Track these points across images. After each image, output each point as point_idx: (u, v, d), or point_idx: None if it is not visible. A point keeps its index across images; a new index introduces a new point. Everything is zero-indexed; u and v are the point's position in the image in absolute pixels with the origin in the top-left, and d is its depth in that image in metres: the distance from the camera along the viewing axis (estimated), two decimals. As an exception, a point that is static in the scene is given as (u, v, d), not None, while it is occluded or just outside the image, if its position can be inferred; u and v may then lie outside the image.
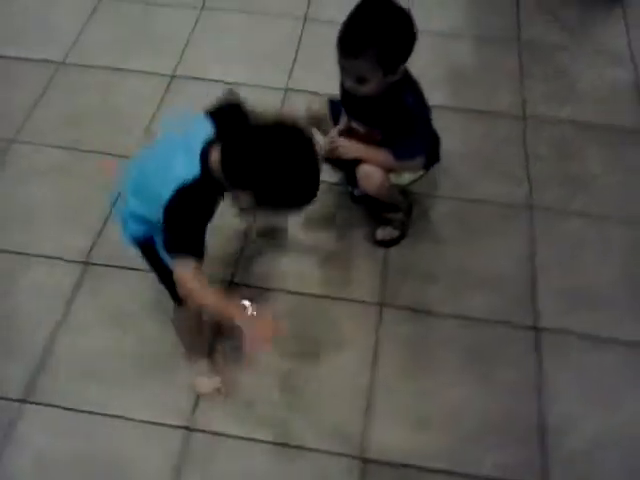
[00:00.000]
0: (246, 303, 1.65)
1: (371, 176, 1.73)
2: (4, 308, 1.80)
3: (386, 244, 1.94)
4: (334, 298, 1.84)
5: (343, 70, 1.57)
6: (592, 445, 1.59)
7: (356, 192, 1.96)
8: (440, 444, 1.59)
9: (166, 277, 1.41)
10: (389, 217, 1.94)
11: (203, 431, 1.60)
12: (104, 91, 2.35)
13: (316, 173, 1.29)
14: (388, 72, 1.54)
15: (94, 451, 1.57)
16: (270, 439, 1.59)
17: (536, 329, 1.79)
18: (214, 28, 2.59)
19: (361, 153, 1.74)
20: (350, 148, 1.75)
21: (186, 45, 2.51)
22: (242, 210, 1.40)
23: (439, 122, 2.19)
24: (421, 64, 2.39)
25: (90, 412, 1.62)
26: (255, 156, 1.23)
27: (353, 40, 1.51)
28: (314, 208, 1.97)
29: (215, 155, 1.28)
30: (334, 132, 1.79)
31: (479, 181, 2.12)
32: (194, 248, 1.30)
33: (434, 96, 2.28)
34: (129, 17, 2.62)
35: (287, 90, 2.35)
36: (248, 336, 1.29)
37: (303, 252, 1.94)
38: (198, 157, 1.28)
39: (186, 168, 1.28)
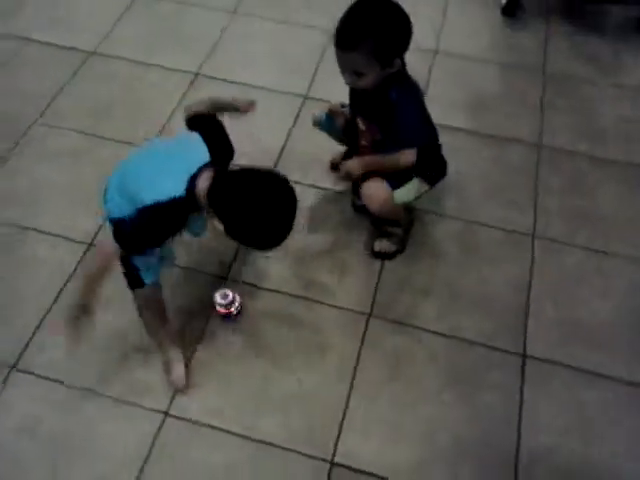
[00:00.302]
0: (227, 292, 1.69)
1: (374, 195, 1.76)
2: (5, 278, 1.86)
3: (383, 256, 1.95)
4: (324, 303, 1.85)
5: (341, 64, 1.60)
6: (564, 478, 1.57)
7: (358, 202, 1.98)
8: (410, 458, 1.59)
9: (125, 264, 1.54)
10: (389, 230, 1.96)
11: (180, 418, 1.62)
12: (128, 83, 2.42)
13: (284, 228, 1.42)
14: (385, 65, 1.58)
15: (72, 424, 1.61)
16: (243, 434, 1.60)
17: (523, 356, 1.78)
18: (243, 33, 2.65)
19: (362, 166, 1.78)
20: (353, 167, 1.79)
21: (214, 46, 2.58)
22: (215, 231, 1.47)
23: (454, 143, 2.24)
24: (443, 85, 2.47)
25: (74, 387, 1.66)
26: (237, 199, 1.37)
27: (349, 33, 1.55)
28: (317, 214, 2.04)
29: (204, 182, 1.40)
30: (341, 116, 1.85)
31: (485, 205, 2.12)
32: (135, 249, 1.48)
33: (452, 118, 2.35)
34: (161, 15, 2.70)
35: (306, 98, 2.39)
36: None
37: (300, 255, 1.96)
38: (187, 179, 1.40)
39: (174, 187, 1.39)
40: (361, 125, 1.80)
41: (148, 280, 1.55)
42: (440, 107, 2.35)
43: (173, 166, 1.45)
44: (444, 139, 2.22)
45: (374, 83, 1.62)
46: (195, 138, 1.51)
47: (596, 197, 2.17)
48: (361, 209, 2.00)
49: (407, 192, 1.80)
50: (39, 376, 1.68)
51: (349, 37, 1.55)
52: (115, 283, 1.54)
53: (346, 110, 1.86)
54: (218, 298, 1.75)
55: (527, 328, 1.83)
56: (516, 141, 2.32)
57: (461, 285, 1.92)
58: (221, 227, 1.39)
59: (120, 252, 1.46)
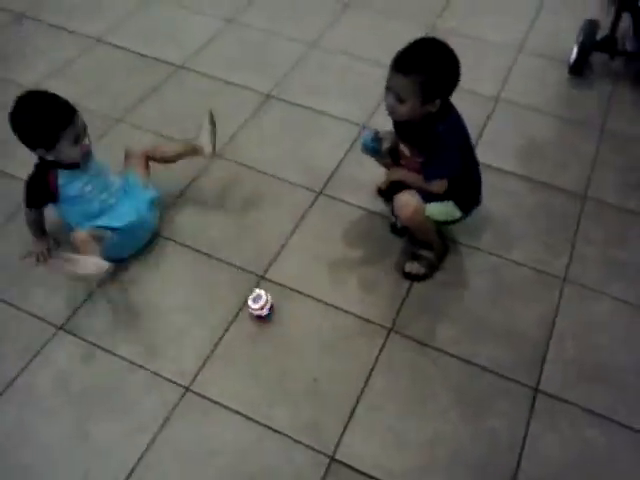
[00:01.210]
0: (261, 294, 1.82)
1: (406, 204, 1.89)
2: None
3: (412, 278, 2.04)
4: (346, 311, 1.96)
5: (389, 84, 1.75)
6: (558, 511, 1.59)
7: (398, 224, 2.10)
8: (408, 465, 1.65)
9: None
10: (420, 253, 2.05)
11: (199, 394, 1.75)
12: (206, 96, 2.66)
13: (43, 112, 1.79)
14: (426, 101, 1.72)
15: (101, 384, 1.77)
16: (255, 418, 1.71)
17: (535, 390, 1.81)
18: (316, 63, 2.86)
19: (400, 175, 1.95)
20: (394, 172, 1.99)
21: (288, 72, 2.79)
22: None
23: (502, 185, 2.35)
24: (500, 130, 2.58)
25: (108, 351, 1.83)
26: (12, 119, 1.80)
27: (408, 59, 1.71)
28: (358, 231, 2.16)
29: None
30: (387, 140, 1.99)
31: (521, 244, 2.18)
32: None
33: (504, 161, 2.45)
34: (248, 40, 2.96)
35: (364, 127, 2.55)
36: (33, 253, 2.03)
37: (336, 265, 2.08)
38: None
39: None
40: (405, 151, 1.93)
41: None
42: (494, 150, 2.50)
43: None
44: (493, 180, 2.34)
45: (412, 114, 1.76)
46: None
47: (636, 252, 2.19)
48: (398, 231, 2.11)
49: (439, 209, 1.92)
50: (81, 338, 1.85)
51: (406, 62, 1.71)
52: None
53: (392, 136, 2.00)
54: (251, 301, 1.88)
55: (544, 364, 1.87)
56: (562, 190, 2.37)
57: (484, 315, 1.98)
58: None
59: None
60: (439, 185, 1.85)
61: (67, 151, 1.82)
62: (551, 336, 1.94)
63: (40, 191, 1.90)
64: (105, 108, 2.55)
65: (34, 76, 2.68)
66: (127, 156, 2.13)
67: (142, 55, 2.84)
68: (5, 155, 2.32)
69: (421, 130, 1.81)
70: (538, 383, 1.83)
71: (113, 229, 1.91)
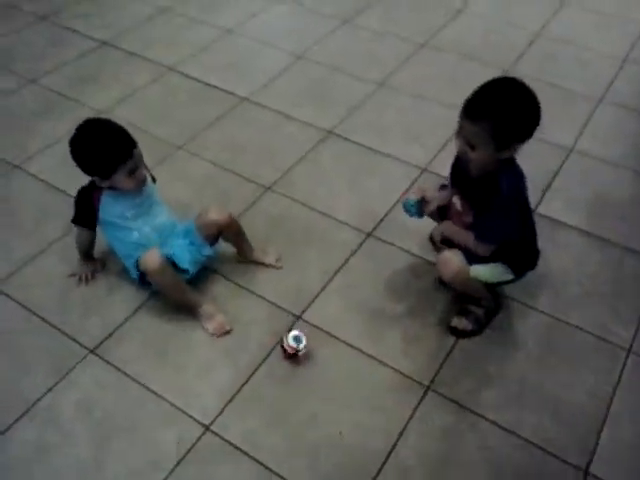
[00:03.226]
0: (300, 335, 1.75)
1: (448, 263, 1.77)
2: (103, 273, 2.08)
3: (458, 334, 1.91)
4: (387, 365, 1.84)
5: (459, 130, 1.64)
6: None
7: None
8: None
9: None
10: (468, 308, 1.92)
11: (218, 435, 1.68)
12: (267, 130, 2.66)
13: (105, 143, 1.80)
14: (501, 147, 1.59)
15: (123, 413, 1.73)
16: (271, 467, 1.62)
17: (585, 473, 1.63)
18: (382, 103, 2.81)
19: (450, 232, 1.82)
20: (443, 227, 1.87)
21: (351, 110, 2.75)
22: None
23: (566, 239, 2.20)
24: (570, 181, 2.43)
25: (134, 379, 1.79)
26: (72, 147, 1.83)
27: (476, 105, 1.59)
28: (405, 280, 2.06)
29: None
30: (434, 203, 1.86)
31: (582, 307, 2.01)
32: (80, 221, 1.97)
33: (570, 215, 2.29)
34: (314, 77, 2.95)
35: (424, 170, 2.46)
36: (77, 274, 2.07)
37: (379, 314, 1.98)
38: None
39: None
40: (458, 206, 1.81)
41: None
42: (560, 202, 2.35)
43: None
44: (556, 234, 2.19)
45: (484, 161, 1.64)
46: None
47: None
48: (445, 283, 1.99)
49: (486, 272, 1.78)
50: (110, 364, 1.83)
51: (474, 109, 1.59)
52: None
53: (441, 195, 1.89)
54: (290, 339, 1.81)
55: (597, 445, 1.68)
56: (632, 251, 2.18)
57: (534, 382, 1.82)
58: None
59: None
60: (483, 248, 1.73)
61: (122, 182, 1.82)
62: (608, 413, 1.75)
63: (84, 208, 1.91)
64: (167, 135, 2.59)
65: (106, 101, 2.76)
66: (203, 217, 1.98)
67: (210, 85, 2.88)
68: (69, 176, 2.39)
69: (482, 183, 1.68)
70: (588, 465, 1.64)
71: (179, 269, 1.88)
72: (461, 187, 1.80)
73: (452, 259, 1.77)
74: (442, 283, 2.02)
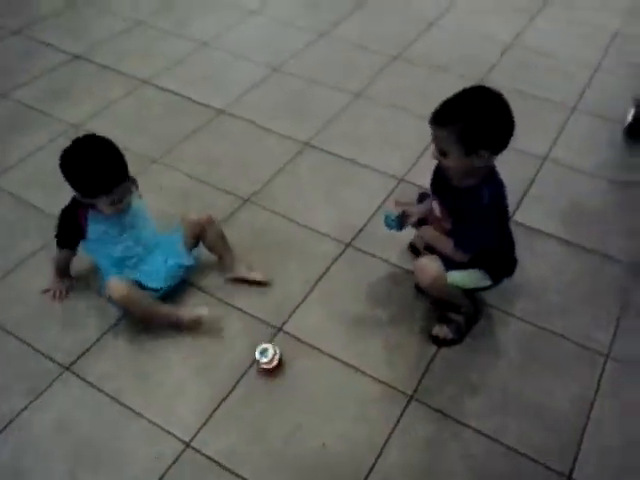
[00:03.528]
0: (268, 348, 1.71)
1: (425, 269, 1.77)
2: (78, 288, 2.04)
3: (439, 342, 1.90)
4: (368, 375, 1.83)
5: (433, 138, 1.65)
6: None
7: None
8: None
9: None
10: (448, 316, 1.92)
11: (199, 451, 1.65)
12: (244, 142, 2.64)
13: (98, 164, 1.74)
14: (469, 151, 1.59)
15: (99, 432, 1.69)
16: (253, 482, 1.60)
17: (569, 479, 1.63)
18: (359, 114, 2.81)
19: (429, 237, 1.83)
20: (423, 231, 1.86)
21: (328, 122, 2.75)
22: None
23: (543, 248, 2.22)
24: (545, 190, 2.45)
25: (112, 397, 1.75)
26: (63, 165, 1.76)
27: (444, 111, 1.60)
28: (384, 289, 2.05)
29: None
30: (414, 216, 1.86)
31: (562, 314, 2.02)
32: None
33: (546, 223, 2.31)
34: (291, 89, 2.95)
35: (401, 180, 2.46)
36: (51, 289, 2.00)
37: (359, 324, 1.97)
38: None
39: None
40: (437, 212, 1.81)
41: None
42: (537, 211, 2.37)
43: None
44: (534, 242, 2.21)
45: (458, 169, 1.65)
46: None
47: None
48: (422, 290, 2.00)
49: (463, 278, 1.78)
50: (87, 381, 1.79)
51: (442, 115, 1.61)
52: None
53: (420, 208, 1.90)
54: (258, 354, 1.78)
55: (579, 450, 1.69)
56: (610, 259, 2.21)
57: (516, 389, 1.82)
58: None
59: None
60: (460, 255, 1.73)
61: (102, 207, 1.79)
62: (589, 418, 1.76)
63: (69, 225, 1.86)
64: (142, 148, 2.56)
65: (79, 114, 2.73)
66: (185, 218, 2.03)
67: (185, 98, 2.86)
68: (43, 191, 2.36)
69: (464, 192, 1.68)
70: (571, 471, 1.64)
71: (150, 288, 1.88)
72: (441, 194, 1.80)
73: (429, 265, 1.77)
74: (419, 290, 2.01)
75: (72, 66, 3.04)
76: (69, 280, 2.04)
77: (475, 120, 1.57)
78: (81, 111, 2.75)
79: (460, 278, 1.78)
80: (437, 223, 1.81)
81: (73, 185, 1.76)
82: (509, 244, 1.84)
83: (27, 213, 2.28)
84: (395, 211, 1.87)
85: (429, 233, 1.83)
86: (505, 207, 1.77)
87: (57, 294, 2.00)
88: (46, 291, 2.01)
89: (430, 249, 1.87)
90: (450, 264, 1.75)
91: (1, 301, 1.99)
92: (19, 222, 2.25)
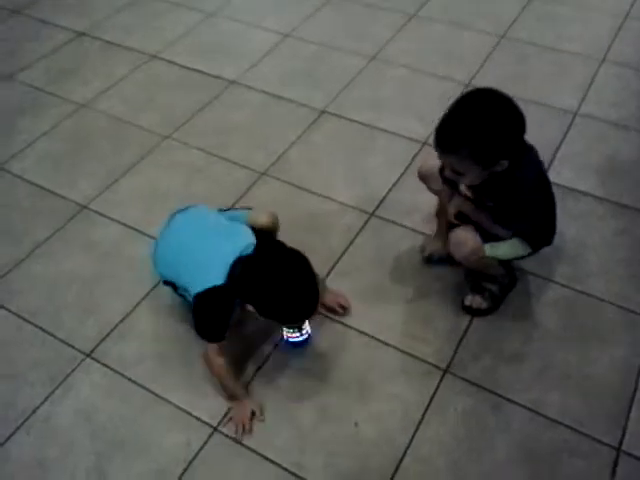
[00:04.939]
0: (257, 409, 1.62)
1: (463, 242, 1.65)
2: (95, 272, 1.97)
3: (473, 312, 1.81)
4: (400, 350, 1.75)
5: (442, 161, 1.56)
6: None
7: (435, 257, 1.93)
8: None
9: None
10: (482, 285, 1.82)
11: (226, 435, 1.59)
12: (258, 112, 2.54)
13: (309, 305, 1.51)
14: (487, 166, 1.48)
15: (126, 418, 1.63)
16: (284, 466, 1.53)
17: (618, 450, 1.54)
18: (377, 77, 2.68)
19: (465, 208, 1.69)
20: (456, 203, 1.71)
21: (345, 87, 2.63)
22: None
23: (579, 207, 2.10)
24: (578, 147, 2.33)
25: (136, 383, 1.69)
26: (261, 285, 1.48)
27: (446, 137, 1.47)
28: (413, 260, 1.95)
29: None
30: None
31: (603, 277, 1.91)
32: (216, 336, 1.59)
33: (581, 181, 2.19)
34: (304, 55, 2.82)
35: (424, 144, 2.34)
36: (233, 419, 1.60)
37: (388, 298, 1.87)
38: (228, 269, 1.53)
39: (216, 277, 1.53)
40: (466, 191, 1.69)
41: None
42: (570, 169, 2.24)
43: (218, 251, 1.58)
44: (569, 203, 2.09)
45: (479, 180, 1.54)
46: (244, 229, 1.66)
47: None
48: (429, 259, 1.94)
49: (501, 249, 1.67)
50: (110, 368, 1.73)
51: (447, 140, 1.48)
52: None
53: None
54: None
55: (628, 420, 1.59)
56: (649, 214, 2.08)
57: (556, 358, 1.72)
58: (252, 308, 1.52)
59: (213, 347, 1.60)
60: (505, 233, 1.63)
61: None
62: (637, 385, 1.66)
63: (226, 315, 1.58)
64: (153, 125, 2.47)
65: (87, 93, 2.64)
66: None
67: (195, 70, 2.76)
68: (54, 173, 2.29)
69: (494, 180, 1.54)
70: (621, 443, 1.55)
71: None
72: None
73: (467, 238, 1.64)
74: (429, 261, 1.93)
75: (77, 44, 2.94)
76: (248, 397, 1.63)
77: (483, 138, 1.43)
78: (89, 89, 2.66)
79: (500, 251, 1.66)
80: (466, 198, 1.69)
81: (254, 301, 1.51)
82: (551, 212, 1.71)
83: (39, 197, 2.21)
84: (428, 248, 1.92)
85: (465, 205, 1.68)
86: (544, 176, 1.65)
87: (240, 427, 1.57)
88: (228, 422, 1.60)
89: (462, 217, 1.74)
90: (488, 235, 1.64)
91: (17, 289, 1.93)
92: (31, 207, 2.18)
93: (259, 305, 1.50)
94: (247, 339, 1.77)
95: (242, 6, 3.18)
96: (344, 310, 1.81)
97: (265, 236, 1.67)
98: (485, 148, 1.44)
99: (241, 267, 1.52)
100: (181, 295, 1.72)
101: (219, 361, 1.59)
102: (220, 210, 1.86)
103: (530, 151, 1.59)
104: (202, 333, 1.60)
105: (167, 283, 1.74)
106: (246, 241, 1.60)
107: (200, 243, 1.65)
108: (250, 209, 1.87)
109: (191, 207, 1.83)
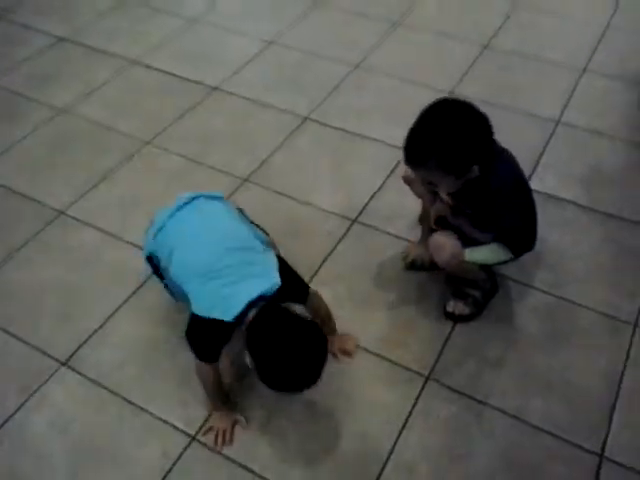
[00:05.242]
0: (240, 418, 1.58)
1: (442, 247, 1.65)
2: (73, 279, 1.94)
3: (455, 318, 1.80)
4: (382, 357, 1.73)
5: (415, 174, 1.57)
6: None
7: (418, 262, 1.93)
8: None
9: None
10: (464, 291, 1.81)
11: (204, 445, 1.55)
12: (240, 119, 2.52)
13: (307, 381, 1.38)
14: (460, 175, 1.48)
15: (100, 429, 1.59)
16: (265, 475, 1.50)
17: (600, 457, 1.53)
18: (361, 85, 2.68)
19: (446, 212, 1.69)
20: (438, 208, 1.74)
21: (328, 94, 2.62)
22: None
23: (562, 215, 2.11)
24: (560, 155, 2.34)
25: (112, 392, 1.66)
26: (269, 347, 1.36)
27: (413, 151, 1.48)
28: (394, 265, 1.94)
29: (254, 313, 1.40)
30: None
31: (584, 284, 1.91)
32: (207, 358, 1.49)
33: (564, 189, 2.20)
34: (288, 62, 2.81)
35: (408, 151, 2.34)
36: (213, 427, 1.55)
37: (370, 303, 1.86)
38: (241, 308, 1.39)
39: (225, 312, 1.40)
40: (445, 197, 1.67)
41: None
42: (553, 177, 2.25)
43: (239, 283, 1.43)
44: (551, 210, 2.09)
45: (454, 187, 1.54)
46: (272, 259, 1.50)
47: None
48: (411, 266, 1.93)
49: (482, 254, 1.67)
50: (85, 376, 1.69)
51: (413, 155, 1.49)
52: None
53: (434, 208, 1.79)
54: None
55: (610, 426, 1.58)
56: (632, 223, 2.09)
57: (538, 364, 1.71)
58: (250, 361, 1.39)
59: (203, 363, 1.51)
60: (485, 237, 1.63)
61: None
62: (618, 392, 1.65)
63: (222, 341, 1.48)
64: (134, 130, 2.44)
65: (67, 98, 2.61)
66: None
67: (177, 77, 2.74)
68: (31, 179, 2.25)
69: (468, 188, 1.54)
70: (603, 449, 1.54)
71: None
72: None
73: (446, 243, 1.64)
74: (412, 267, 1.93)
75: (57, 49, 2.91)
76: (232, 410, 1.59)
77: (448, 147, 1.44)
78: (70, 94, 2.63)
79: (479, 255, 1.66)
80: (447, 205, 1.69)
81: (264, 377, 1.39)
82: (532, 217, 1.71)
83: (16, 203, 2.17)
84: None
85: (445, 211, 1.70)
86: (523, 182, 1.65)
87: (220, 435, 1.54)
88: (208, 431, 1.56)
89: (442, 223, 1.74)
90: (468, 241, 1.64)
91: (-8, 296, 1.90)
92: (8, 213, 2.14)
93: (261, 367, 1.37)
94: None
95: (226, 13, 3.17)
96: (349, 356, 1.71)
97: (289, 281, 1.50)
98: (452, 157, 1.45)
99: (255, 314, 1.40)
100: (160, 278, 1.65)
101: (207, 368, 1.52)
102: (240, 212, 1.73)
103: (501, 154, 1.58)
104: (194, 351, 1.49)
105: (151, 262, 1.64)
106: (271, 281, 1.44)
107: (221, 260, 1.47)
108: (267, 234, 1.78)
109: (217, 198, 1.69)
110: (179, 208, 1.63)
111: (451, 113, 1.47)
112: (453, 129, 1.44)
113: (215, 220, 1.61)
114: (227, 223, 1.61)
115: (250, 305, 1.40)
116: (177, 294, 1.63)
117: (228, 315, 1.39)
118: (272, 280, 1.44)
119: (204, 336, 1.46)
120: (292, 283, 1.51)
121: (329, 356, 1.47)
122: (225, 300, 1.41)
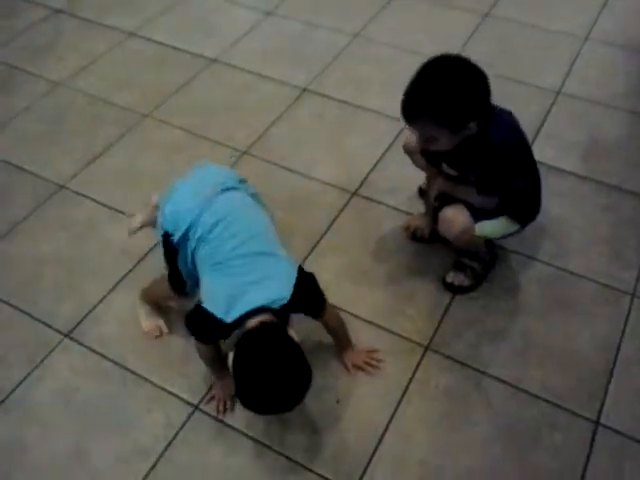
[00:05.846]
0: None
1: (453, 222, 1.64)
2: (73, 252, 1.95)
3: (454, 290, 1.81)
4: (382, 327, 1.74)
5: (412, 131, 1.55)
6: None
7: (418, 233, 1.94)
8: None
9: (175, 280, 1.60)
10: (464, 262, 1.81)
11: (208, 414, 1.58)
12: (240, 91, 2.50)
13: (285, 406, 1.38)
14: (456, 129, 1.47)
15: (104, 399, 1.62)
16: (267, 443, 1.52)
17: (596, 424, 1.55)
18: (360, 55, 2.66)
19: (447, 187, 1.69)
20: (439, 184, 1.72)
21: (327, 65, 2.60)
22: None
23: (562, 186, 2.10)
24: (560, 125, 2.32)
25: (115, 362, 1.68)
26: (242, 367, 1.35)
27: (407, 105, 1.48)
28: (395, 237, 1.94)
29: (253, 323, 1.38)
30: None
31: (583, 255, 1.92)
32: (206, 341, 1.50)
33: (564, 160, 2.19)
34: (287, 33, 2.79)
35: (407, 122, 2.33)
36: (215, 396, 1.59)
37: (370, 275, 1.87)
38: (243, 312, 1.38)
39: (226, 311, 1.39)
40: (450, 171, 1.67)
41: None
42: (553, 148, 2.24)
43: (249, 290, 1.40)
44: (552, 181, 2.08)
45: (451, 145, 1.53)
46: (292, 271, 1.46)
47: None
48: (414, 236, 1.93)
49: (492, 228, 1.67)
50: (88, 348, 1.71)
51: (408, 108, 1.48)
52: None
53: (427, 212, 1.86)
54: None
55: (607, 394, 1.60)
56: (632, 194, 2.09)
57: (537, 334, 1.73)
58: (230, 371, 1.40)
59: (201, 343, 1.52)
60: (490, 202, 1.61)
61: None
62: (615, 361, 1.67)
63: (218, 334, 1.48)
64: (132, 103, 2.43)
65: (64, 71, 2.59)
66: None
67: (175, 49, 2.71)
68: (29, 152, 2.25)
69: (468, 148, 1.53)
70: (599, 416, 1.56)
71: None
72: (446, 160, 1.66)
73: (457, 217, 1.63)
74: (413, 238, 1.93)
75: (54, 21, 2.88)
76: (229, 381, 1.51)
77: (440, 100, 1.42)
78: (66, 67, 2.61)
79: (490, 229, 1.66)
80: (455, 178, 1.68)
81: (243, 399, 1.38)
82: (536, 182, 1.71)
83: (15, 177, 2.17)
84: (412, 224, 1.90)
85: (447, 184, 1.69)
86: (522, 138, 1.64)
87: (225, 404, 1.58)
88: (210, 400, 1.59)
89: (444, 199, 1.73)
90: (478, 214, 1.64)
91: (-6, 269, 1.91)
92: (6, 187, 2.14)
93: (239, 382, 1.37)
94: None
95: (223, -17, 3.12)
96: (364, 371, 1.66)
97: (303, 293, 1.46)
98: (445, 109, 1.44)
99: (248, 331, 1.38)
100: (172, 262, 1.58)
101: (205, 347, 1.52)
102: (253, 196, 1.65)
103: (501, 116, 1.57)
104: (192, 334, 1.50)
105: (166, 242, 1.54)
106: (280, 294, 1.41)
107: (244, 259, 1.45)
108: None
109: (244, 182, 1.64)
110: (223, 190, 1.54)
111: (448, 67, 1.46)
112: (448, 81, 1.44)
113: (254, 218, 1.56)
114: (261, 225, 1.56)
115: (253, 312, 1.39)
116: (187, 277, 1.58)
117: (227, 316, 1.39)
118: (282, 294, 1.41)
119: (202, 326, 1.46)
120: (307, 297, 1.48)
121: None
122: (230, 300, 1.40)
